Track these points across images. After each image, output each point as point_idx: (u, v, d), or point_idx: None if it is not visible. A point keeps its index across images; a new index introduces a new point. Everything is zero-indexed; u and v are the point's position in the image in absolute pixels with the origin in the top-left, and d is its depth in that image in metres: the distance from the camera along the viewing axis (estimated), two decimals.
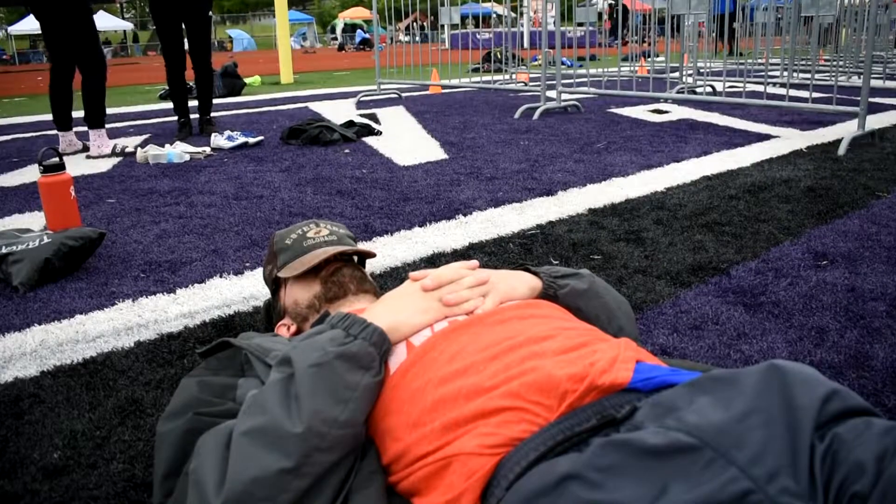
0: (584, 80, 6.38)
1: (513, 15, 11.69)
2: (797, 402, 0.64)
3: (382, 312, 0.94)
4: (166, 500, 0.87)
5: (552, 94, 5.84)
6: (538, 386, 0.77)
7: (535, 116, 5.48)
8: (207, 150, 4.21)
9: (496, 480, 0.72)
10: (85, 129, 4.29)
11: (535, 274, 1.09)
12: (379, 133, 4.86)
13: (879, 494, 0.55)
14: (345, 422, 0.80)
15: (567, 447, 0.71)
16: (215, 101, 5.86)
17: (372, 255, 1.36)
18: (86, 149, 4.35)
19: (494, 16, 13.21)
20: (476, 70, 10.15)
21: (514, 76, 8.63)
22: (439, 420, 0.79)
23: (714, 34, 8.78)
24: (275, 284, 1.31)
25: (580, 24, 7.35)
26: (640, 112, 5.78)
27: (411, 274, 1.03)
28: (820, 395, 0.64)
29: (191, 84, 5.25)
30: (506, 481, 0.71)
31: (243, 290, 1.93)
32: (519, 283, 1.05)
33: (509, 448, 0.74)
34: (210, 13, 4.76)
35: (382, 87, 7.52)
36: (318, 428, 0.77)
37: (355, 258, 1.34)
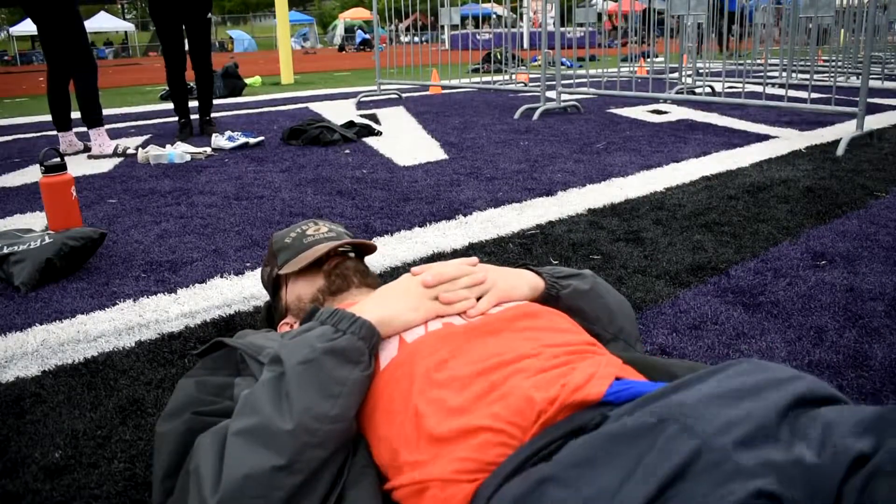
0: (584, 80, 6.39)
1: (513, 16, 11.69)
2: (772, 386, 0.65)
3: (373, 306, 0.94)
4: (166, 500, 0.88)
5: (552, 94, 5.84)
6: (515, 408, 0.77)
7: (535, 117, 5.49)
8: (208, 150, 4.21)
9: (475, 502, 0.73)
10: (85, 129, 4.29)
11: (538, 274, 1.08)
12: (379, 133, 4.86)
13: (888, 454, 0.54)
14: (335, 417, 0.81)
15: (536, 461, 0.71)
16: (216, 101, 5.87)
17: (373, 249, 1.36)
18: (87, 149, 4.35)
19: (494, 16, 13.22)
20: (476, 70, 10.16)
21: (513, 77, 8.63)
22: (422, 432, 0.80)
23: (714, 35, 8.78)
24: (275, 284, 1.32)
25: (580, 25, 7.35)
26: (639, 112, 5.79)
27: (413, 269, 1.03)
28: (796, 383, 0.65)
29: (191, 84, 5.26)
30: (483, 501, 0.71)
31: (244, 289, 1.94)
32: (520, 281, 1.05)
33: (486, 473, 0.74)
34: (209, 14, 4.77)
35: (382, 87, 7.52)
36: (308, 424, 0.78)
37: (353, 254, 1.35)
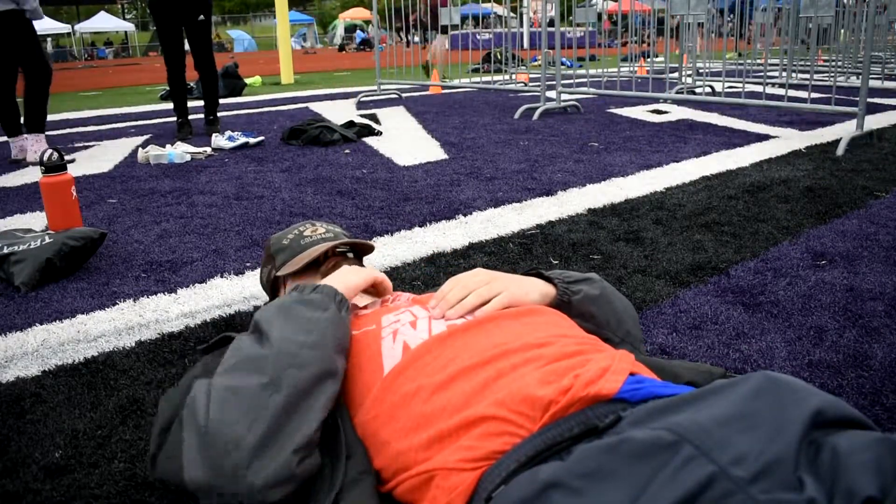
0: (584, 80, 6.39)
1: (512, 15, 11.70)
2: (787, 409, 0.63)
3: (329, 279, 1.06)
4: (159, 452, 0.91)
5: (552, 94, 5.84)
6: (522, 396, 0.77)
7: (535, 117, 5.49)
8: (208, 150, 4.22)
9: (477, 494, 0.72)
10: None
11: (549, 280, 1.08)
12: (379, 133, 4.86)
13: None
14: (312, 343, 0.87)
15: (547, 456, 0.71)
16: None
17: (371, 249, 1.36)
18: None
19: (494, 16, 13.22)
20: (476, 70, 10.15)
21: (513, 76, 8.63)
22: (426, 431, 0.80)
23: (713, 34, 8.78)
24: (273, 285, 1.32)
25: (579, 25, 7.35)
26: (639, 112, 5.79)
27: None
28: (812, 403, 0.63)
29: (192, 85, 5.27)
30: (485, 493, 0.71)
31: (244, 289, 1.94)
32: (532, 288, 1.05)
33: (491, 461, 0.74)
34: (201, 17, 4.76)
35: (382, 87, 7.52)
36: (287, 348, 0.86)
37: (351, 255, 1.35)
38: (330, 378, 0.87)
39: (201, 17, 4.73)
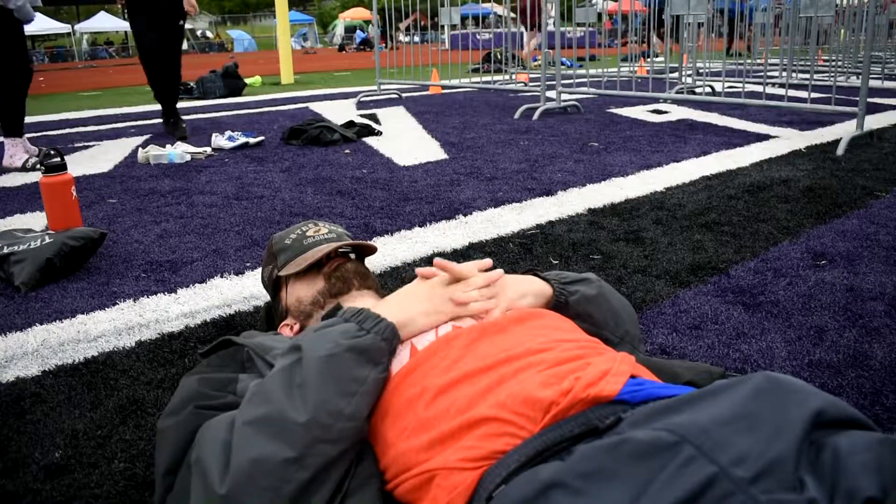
0: (584, 80, 6.39)
1: (512, 15, 11.70)
2: (788, 409, 0.63)
3: (394, 308, 0.94)
4: (167, 496, 0.87)
5: (552, 94, 5.84)
6: (523, 398, 0.77)
7: (535, 117, 5.49)
8: (208, 150, 4.22)
9: (478, 493, 0.73)
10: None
11: (545, 280, 1.08)
12: (379, 133, 4.86)
13: None
14: (350, 414, 0.81)
15: (548, 456, 0.71)
16: (216, 101, 5.86)
17: (373, 250, 1.36)
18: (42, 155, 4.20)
19: (493, 15, 13.23)
20: (476, 70, 10.15)
21: (513, 76, 8.63)
22: (428, 433, 0.80)
23: (713, 34, 8.78)
24: (275, 285, 1.32)
25: (580, 25, 7.36)
26: (639, 112, 5.79)
27: (418, 270, 1.03)
28: (813, 404, 0.63)
29: (192, 84, 5.27)
30: (486, 492, 0.71)
31: (244, 289, 1.94)
32: (528, 288, 1.05)
33: (492, 461, 0.74)
34: (181, 21, 4.78)
35: (382, 87, 7.52)
36: (322, 419, 0.78)
37: (353, 255, 1.35)
38: (355, 448, 0.84)
39: (181, 21, 4.76)
